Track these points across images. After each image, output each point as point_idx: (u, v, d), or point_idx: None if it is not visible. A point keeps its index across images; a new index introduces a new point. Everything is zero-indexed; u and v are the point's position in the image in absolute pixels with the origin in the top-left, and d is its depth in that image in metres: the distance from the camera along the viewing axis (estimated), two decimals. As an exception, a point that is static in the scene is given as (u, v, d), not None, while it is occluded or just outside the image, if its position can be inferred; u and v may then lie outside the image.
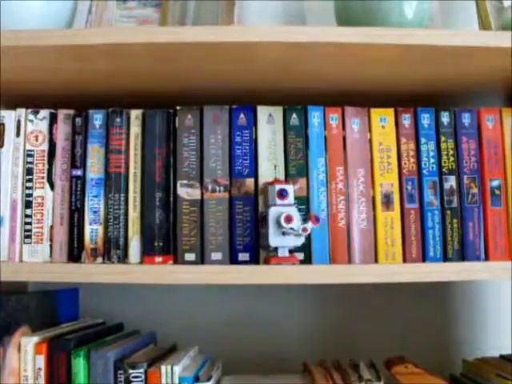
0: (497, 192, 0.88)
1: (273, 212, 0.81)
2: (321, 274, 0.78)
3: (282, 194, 0.82)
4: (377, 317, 1.13)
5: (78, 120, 0.89)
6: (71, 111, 0.90)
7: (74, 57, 0.82)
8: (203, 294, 1.12)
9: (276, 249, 0.81)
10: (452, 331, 1.14)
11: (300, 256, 0.84)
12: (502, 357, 1.00)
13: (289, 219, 0.79)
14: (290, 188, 0.83)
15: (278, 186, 0.82)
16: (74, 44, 0.78)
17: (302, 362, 0.99)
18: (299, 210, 0.83)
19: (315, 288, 1.13)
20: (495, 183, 0.88)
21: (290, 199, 0.82)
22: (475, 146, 0.89)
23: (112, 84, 0.93)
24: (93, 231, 0.86)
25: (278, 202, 0.82)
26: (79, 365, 0.81)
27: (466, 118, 0.90)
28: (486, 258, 0.87)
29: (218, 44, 0.78)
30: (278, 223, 0.80)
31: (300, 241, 0.81)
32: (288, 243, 0.81)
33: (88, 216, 0.87)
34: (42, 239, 0.87)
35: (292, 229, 0.79)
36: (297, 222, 0.80)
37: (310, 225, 0.80)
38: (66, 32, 0.80)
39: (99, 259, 0.86)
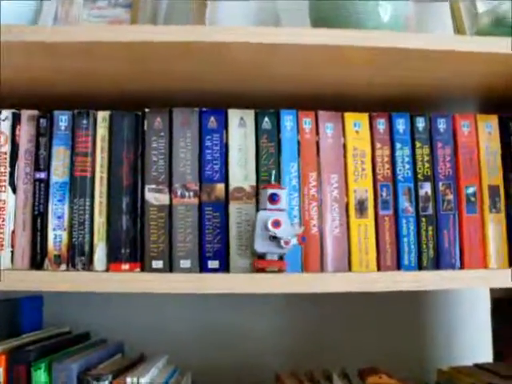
0: (472, 199, 0.87)
1: (261, 216, 0.79)
2: (292, 283, 0.76)
3: (273, 198, 0.79)
4: (350, 326, 1.12)
5: (43, 121, 0.86)
6: (35, 112, 0.86)
7: (42, 54, 0.79)
8: (173, 301, 1.09)
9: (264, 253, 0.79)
10: (426, 340, 1.13)
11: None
12: (476, 365, 0.99)
13: (276, 224, 0.77)
14: (282, 192, 0.80)
15: (269, 190, 0.79)
16: (44, 41, 0.75)
17: (275, 373, 0.97)
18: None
19: (288, 297, 1.10)
20: (470, 190, 0.87)
21: (282, 204, 0.79)
22: (450, 152, 0.88)
23: (79, 84, 0.90)
24: (56, 237, 0.83)
25: (269, 206, 0.79)
26: (40, 378, 0.78)
27: (442, 124, 0.88)
28: (461, 266, 0.85)
29: (189, 44, 0.76)
30: (265, 227, 0.77)
31: (284, 249, 0.78)
32: (274, 250, 0.78)
33: (52, 221, 0.83)
34: (2, 245, 0.83)
35: (276, 237, 0.77)
36: (285, 228, 0.77)
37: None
38: (36, 29, 0.78)
39: (63, 266, 0.83)
